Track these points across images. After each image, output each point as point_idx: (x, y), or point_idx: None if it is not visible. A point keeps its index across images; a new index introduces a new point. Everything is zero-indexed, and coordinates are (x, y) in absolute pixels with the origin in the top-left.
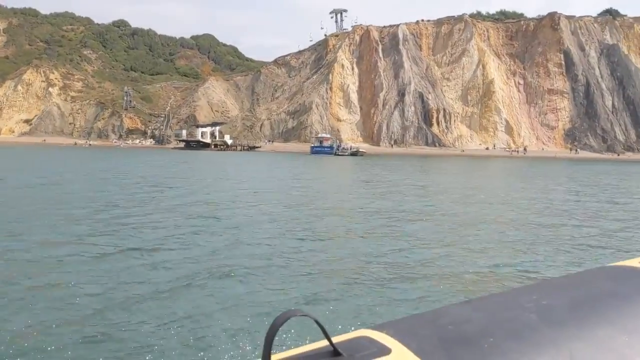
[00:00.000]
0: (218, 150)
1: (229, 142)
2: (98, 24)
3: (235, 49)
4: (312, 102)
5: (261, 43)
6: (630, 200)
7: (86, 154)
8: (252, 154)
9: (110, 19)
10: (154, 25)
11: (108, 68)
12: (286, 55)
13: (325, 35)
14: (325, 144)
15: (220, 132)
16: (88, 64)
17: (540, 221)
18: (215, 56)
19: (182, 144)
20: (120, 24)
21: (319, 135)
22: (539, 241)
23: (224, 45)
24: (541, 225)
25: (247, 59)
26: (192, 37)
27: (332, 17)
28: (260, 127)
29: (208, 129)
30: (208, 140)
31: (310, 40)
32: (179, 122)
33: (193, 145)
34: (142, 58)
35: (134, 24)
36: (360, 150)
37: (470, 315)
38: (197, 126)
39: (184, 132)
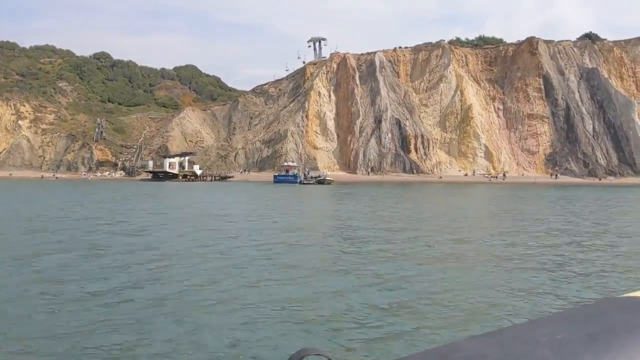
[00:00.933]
0: (186, 180)
1: (199, 172)
2: (77, 57)
3: (218, 79)
4: (287, 130)
5: (252, 73)
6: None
7: (45, 188)
8: (219, 184)
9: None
10: (147, 58)
11: (84, 100)
12: (264, 84)
13: (304, 62)
14: (290, 172)
15: (192, 162)
16: (62, 96)
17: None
18: (196, 87)
19: (150, 175)
20: (101, 56)
21: (285, 163)
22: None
23: (207, 75)
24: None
25: (230, 89)
26: (175, 68)
27: (309, 46)
28: (235, 157)
29: (176, 160)
30: (176, 170)
31: (287, 70)
32: (150, 153)
33: (161, 176)
34: (120, 89)
35: (127, 56)
36: (328, 178)
37: (483, 350)
38: (165, 157)
39: (150, 163)
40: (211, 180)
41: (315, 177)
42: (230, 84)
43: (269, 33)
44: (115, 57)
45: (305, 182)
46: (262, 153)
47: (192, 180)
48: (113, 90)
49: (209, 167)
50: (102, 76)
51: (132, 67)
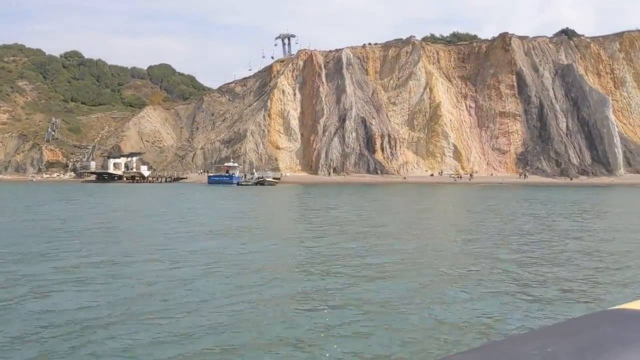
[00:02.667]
0: (130, 182)
1: (146, 173)
2: (45, 55)
3: (192, 79)
4: (247, 129)
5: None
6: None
7: None
8: (164, 185)
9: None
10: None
11: (44, 99)
12: (230, 83)
13: (272, 57)
14: (232, 172)
15: (145, 162)
16: (20, 95)
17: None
18: (168, 85)
19: (94, 177)
20: (71, 55)
21: (226, 164)
22: None
23: (181, 74)
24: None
25: (205, 88)
26: (149, 68)
27: (275, 45)
28: (193, 157)
29: (122, 160)
30: (120, 172)
31: (249, 70)
32: (102, 154)
33: (105, 177)
34: (85, 88)
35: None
36: (269, 179)
37: None
38: (109, 157)
39: (93, 163)
40: (162, 182)
41: (257, 178)
42: (208, 84)
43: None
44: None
45: (243, 183)
46: (221, 153)
47: (139, 182)
48: (78, 89)
49: (163, 168)
50: (69, 75)
51: (101, 66)
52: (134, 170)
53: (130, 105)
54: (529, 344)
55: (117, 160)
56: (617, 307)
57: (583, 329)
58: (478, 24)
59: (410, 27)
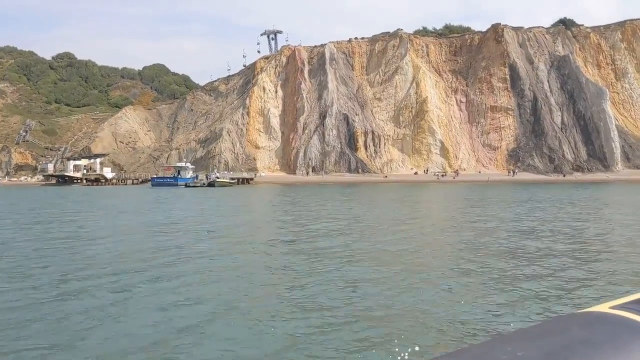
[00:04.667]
0: (90, 184)
1: (109, 175)
2: (31, 57)
3: (186, 78)
4: (222, 128)
5: None
6: None
7: None
8: (125, 188)
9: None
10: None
11: (25, 101)
12: (215, 81)
13: (259, 51)
14: (184, 173)
15: (115, 163)
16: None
17: None
18: (159, 86)
19: (53, 180)
20: (63, 57)
21: (177, 164)
22: None
23: (174, 74)
24: None
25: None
26: (144, 68)
27: (258, 44)
28: (167, 158)
29: (83, 162)
30: (79, 174)
31: (228, 70)
32: (73, 156)
33: (66, 179)
34: (71, 90)
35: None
36: (220, 180)
37: None
38: (69, 159)
39: (50, 166)
40: (131, 184)
41: (209, 180)
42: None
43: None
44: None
45: (192, 185)
46: (196, 153)
47: (101, 184)
48: (63, 90)
49: (135, 169)
50: (56, 76)
51: (91, 67)
52: (97, 172)
53: (116, 106)
54: (498, 349)
55: (77, 162)
56: (585, 310)
57: (552, 332)
58: (500, 16)
59: (427, 21)
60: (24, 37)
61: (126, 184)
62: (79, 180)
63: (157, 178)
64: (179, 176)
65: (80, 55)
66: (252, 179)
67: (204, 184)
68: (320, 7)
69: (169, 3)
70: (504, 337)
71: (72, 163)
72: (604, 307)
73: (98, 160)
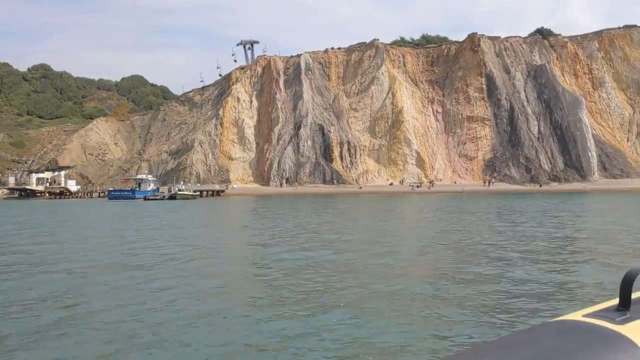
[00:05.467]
0: (53, 198)
1: (74, 188)
2: (6, 69)
3: (165, 89)
4: (194, 140)
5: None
6: None
7: None
8: (87, 201)
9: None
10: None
11: None
12: (189, 92)
13: (235, 60)
14: (145, 186)
15: (83, 176)
16: None
17: None
18: (136, 97)
19: (15, 193)
20: (38, 68)
21: (138, 176)
22: None
23: (152, 85)
24: None
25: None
26: (122, 79)
27: (232, 54)
28: (137, 170)
29: (47, 175)
30: (41, 187)
31: (201, 81)
32: (40, 168)
33: (28, 192)
34: (45, 101)
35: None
36: (182, 193)
37: None
38: (31, 172)
39: (12, 179)
40: (93, 196)
41: (170, 193)
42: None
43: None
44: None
45: (151, 197)
46: (167, 165)
47: (66, 197)
48: (36, 102)
49: (103, 182)
50: (29, 88)
51: (66, 79)
52: (61, 185)
53: (90, 118)
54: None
55: (40, 175)
56: (558, 318)
57: (527, 342)
58: (488, 29)
59: (414, 34)
60: (5, 51)
61: (92, 197)
62: (42, 194)
63: (114, 191)
64: (139, 189)
65: (65, 68)
66: (223, 191)
67: (164, 196)
68: (308, 19)
69: (155, 16)
70: (479, 347)
71: (34, 176)
72: (577, 316)
73: (62, 172)
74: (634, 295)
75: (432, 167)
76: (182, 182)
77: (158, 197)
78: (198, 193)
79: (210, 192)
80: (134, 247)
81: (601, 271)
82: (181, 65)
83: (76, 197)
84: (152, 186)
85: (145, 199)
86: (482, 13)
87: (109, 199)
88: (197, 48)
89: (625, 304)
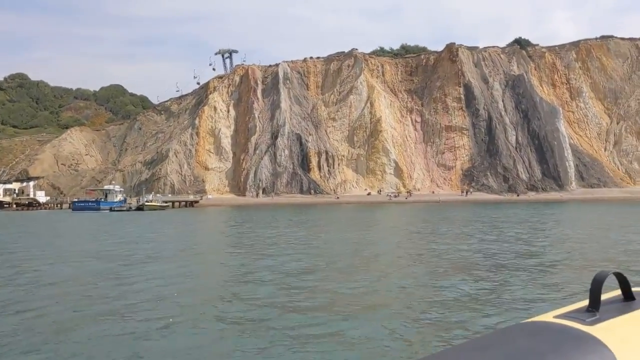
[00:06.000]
0: (21, 209)
1: (43, 199)
2: None
3: (144, 99)
4: (169, 149)
5: None
6: None
7: None
8: (55, 213)
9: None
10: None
11: None
12: (167, 101)
13: (214, 69)
14: (109, 197)
15: (54, 186)
16: None
17: None
18: (114, 106)
19: None
20: (15, 77)
21: (104, 187)
22: None
23: (131, 95)
24: None
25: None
26: (101, 89)
27: (210, 64)
28: (111, 181)
29: (15, 186)
30: (8, 198)
31: (177, 90)
32: (9, 179)
33: None
34: (20, 111)
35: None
36: (150, 204)
37: None
38: (2, 182)
39: None
40: (64, 208)
41: (135, 203)
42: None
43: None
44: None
45: (117, 208)
46: (141, 176)
47: (34, 208)
48: (10, 112)
49: (75, 193)
50: (5, 97)
51: (42, 88)
52: (30, 196)
53: (67, 127)
54: None
55: (8, 186)
56: (530, 319)
57: (499, 343)
58: (473, 40)
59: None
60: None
61: (61, 208)
62: (9, 205)
63: (78, 202)
64: (106, 200)
65: (49, 79)
66: (197, 202)
67: (130, 207)
68: (295, 30)
69: (141, 26)
70: (450, 349)
71: (1, 187)
72: (548, 317)
73: (31, 183)
74: (603, 297)
75: (410, 176)
76: (153, 193)
77: (124, 209)
78: (168, 204)
79: (184, 203)
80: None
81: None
82: (166, 75)
83: (45, 209)
84: (119, 197)
85: (111, 210)
86: (466, 25)
87: (73, 210)
88: (183, 58)
89: (595, 305)
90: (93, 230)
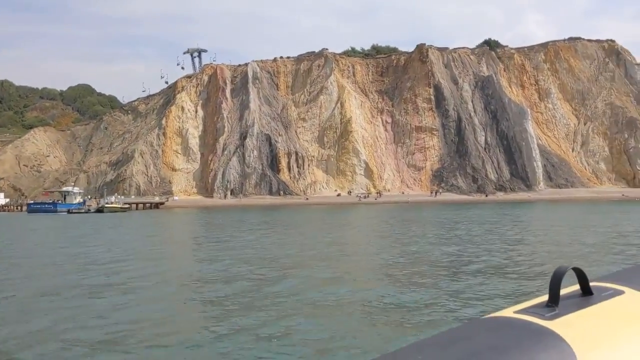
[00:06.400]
0: None
1: (2, 201)
2: None
3: (112, 99)
4: (135, 150)
5: None
6: None
7: None
8: (17, 215)
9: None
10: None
11: None
12: (134, 100)
13: (183, 68)
14: (67, 199)
15: (15, 188)
16: None
17: None
18: (81, 106)
19: None
20: None
21: (63, 189)
22: None
23: (99, 95)
24: None
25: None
26: (68, 88)
27: (178, 64)
28: (75, 182)
29: None
30: None
31: (143, 91)
32: None
33: None
34: None
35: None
36: (110, 206)
37: None
38: None
39: None
40: (23, 210)
41: (97, 205)
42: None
43: None
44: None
45: (75, 211)
46: (106, 177)
47: None
48: None
49: (36, 195)
50: None
51: (7, 87)
52: None
53: (31, 128)
54: (409, 358)
55: None
56: (490, 315)
57: (460, 338)
58: (450, 41)
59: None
60: None
61: (22, 210)
62: None
63: (34, 204)
64: (64, 202)
65: (20, 79)
66: (162, 204)
67: (88, 210)
68: (272, 31)
69: (116, 26)
70: (413, 345)
71: None
72: (508, 312)
73: None
74: (562, 292)
75: (380, 177)
76: (116, 195)
77: (83, 211)
78: (129, 206)
79: (148, 205)
80: None
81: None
82: (141, 76)
83: (5, 211)
84: (78, 199)
85: (69, 212)
86: (442, 26)
87: (28, 212)
88: (157, 58)
89: (554, 300)
90: (19, 234)
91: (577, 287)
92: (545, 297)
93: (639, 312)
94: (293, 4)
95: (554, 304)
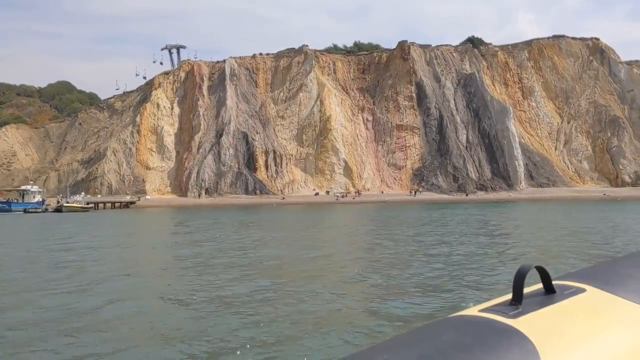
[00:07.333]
0: None
1: None
2: None
3: (92, 96)
4: (107, 148)
5: None
6: None
7: None
8: None
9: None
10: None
11: None
12: (110, 97)
13: (162, 63)
14: (26, 198)
15: None
16: None
17: None
18: (59, 104)
19: None
20: None
21: (21, 187)
22: None
23: (79, 92)
24: None
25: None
26: (47, 85)
27: (154, 61)
28: (45, 181)
29: None
30: None
31: (117, 89)
32: None
33: None
34: None
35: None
36: (69, 205)
37: None
38: None
39: None
40: None
41: (58, 205)
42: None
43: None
44: None
45: (32, 210)
46: (78, 175)
47: None
48: None
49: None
50: None
51: None
52: None
53: (6, 124)
54: (376, 356)
55: None
56: (456, 314)
57: (426, 337)
58: (439, 39)
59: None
60: None
61: None
62: None
63: None
64: (22, 200)
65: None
66: (133, 203)
67: (46, 209)
68: (262, 29)
69: (104, 23)
70: (379, 345)
71: None
72: (473, 311)
73: None
74: (525, 290)
75: (360, 176)
76: (83, 193)
77: (40, 210)
78: (92, 206)
79: (118, 204)
80: None
81: None
82: (126, 73)
83: None
84: (37, 198)
85: (25, 211)
86: (435, 26)
87: None
88: (141, 56)
89: (517, 298)
90: None
91: (540, 285)
92: (509, 296)
93: (599, 309)
94: (283, 3)
95: (518, 302)
